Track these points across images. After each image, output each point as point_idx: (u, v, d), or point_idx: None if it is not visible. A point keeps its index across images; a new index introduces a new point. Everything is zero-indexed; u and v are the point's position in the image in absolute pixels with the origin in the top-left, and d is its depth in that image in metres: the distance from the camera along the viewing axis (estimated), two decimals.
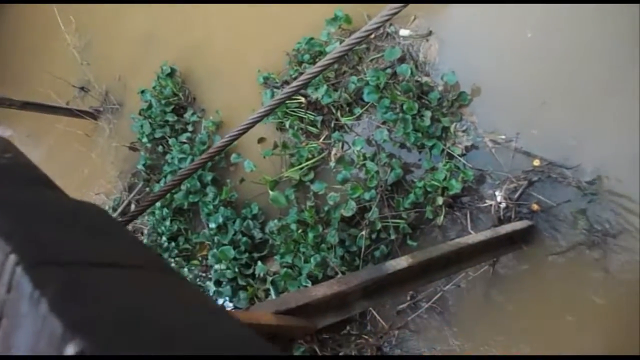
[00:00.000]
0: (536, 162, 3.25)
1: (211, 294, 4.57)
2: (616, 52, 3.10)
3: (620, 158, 2.98)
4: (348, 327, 3.57)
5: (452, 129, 3.63)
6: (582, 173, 3.06)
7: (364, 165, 3.93)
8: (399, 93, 3.77)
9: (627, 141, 2.96)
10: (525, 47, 3.45)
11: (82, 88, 7.00)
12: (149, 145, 5.58)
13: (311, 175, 4.31)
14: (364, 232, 3.75)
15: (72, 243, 0.78)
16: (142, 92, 5.71)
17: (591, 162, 3.03)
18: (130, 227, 5.42)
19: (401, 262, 2.57)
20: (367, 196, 3.80)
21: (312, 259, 3.86)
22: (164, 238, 5.16)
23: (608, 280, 2.91)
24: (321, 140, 4.33)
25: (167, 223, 5.13)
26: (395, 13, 1.69)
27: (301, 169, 4.31)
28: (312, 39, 4.42)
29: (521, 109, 3.41)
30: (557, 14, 3.33)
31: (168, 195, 4.89)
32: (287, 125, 4.41)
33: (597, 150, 3.05)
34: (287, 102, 4.11)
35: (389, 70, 3.91)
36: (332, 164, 4.21)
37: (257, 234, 4.50)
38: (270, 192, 4.32)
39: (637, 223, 2.88)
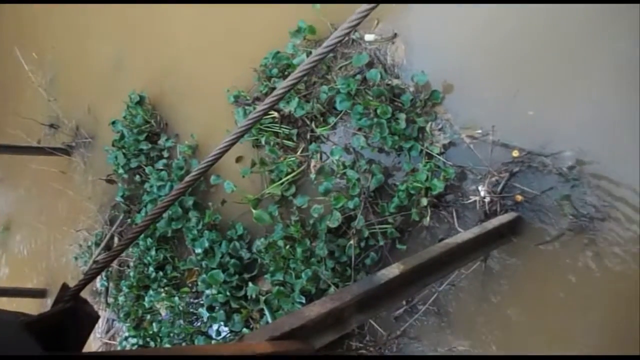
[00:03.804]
0: (515, 153, 3.24)
1: (205, 320, 4.50)
2: (582, 38, 3.11)
3: (597, 140, 2.98)
4: (347, 341, 3.52)
5: (428, 129, 3.61)
6: (561, 159, 3.05)
7: (344, 174, 3.90)
8: (371, 98, 3.75)
9: (601, 123, 2.96)
10: (492, 39, 3.44)
11: (51, 125, 6.91)
12: (125, 176, 5.50)
13: (293, 190, 4.27)
14: (352, 241, 3.72)
15: None
16: (113, 122, 5.63)
17: (569, 147, 3.02)
18: (116, 261, 5.32)
19: (393, 271, 2.52)
20: (351, 205, 3.77)
21: (303, 274, 3.81)
22: (150, 268, 5.08)
23: (599, 262, 2.90)
24: (299, 153, 4.29)
25: (153, 253, 5.06)
26: (366, 15, 1.63)
27: (282, 184, 4.26)
28: (278, 52, 4.38)
29: (494, 101, 3.41)
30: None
31: (151, 225, 4.81)
32: (263, 142, 4.36)
33: (573, 134, 3.05)
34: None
35: (358, 77, 3.88)
36: (312, 175, 4.17)
37: (245, 255, 4.45)
38: (254, 211, 4.27)
39: (621, 203, 2.88)
